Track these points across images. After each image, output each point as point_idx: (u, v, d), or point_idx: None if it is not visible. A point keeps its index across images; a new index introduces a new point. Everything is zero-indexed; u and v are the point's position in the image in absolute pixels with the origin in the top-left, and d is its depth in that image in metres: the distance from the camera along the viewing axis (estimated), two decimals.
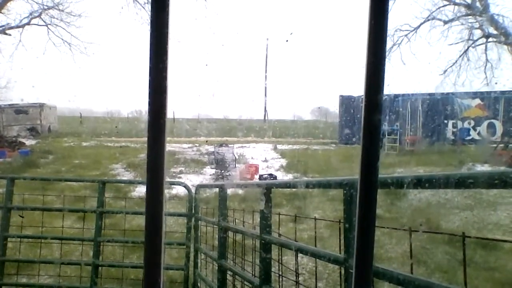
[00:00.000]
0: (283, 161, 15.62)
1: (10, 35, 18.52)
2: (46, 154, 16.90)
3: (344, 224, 1.99)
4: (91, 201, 5.93)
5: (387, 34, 0.59)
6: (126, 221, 5.69)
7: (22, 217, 5.10)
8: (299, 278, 2.86)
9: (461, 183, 1.26)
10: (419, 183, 1.43)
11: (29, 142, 21.14)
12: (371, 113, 0.59)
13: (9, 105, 24.51)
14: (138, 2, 17.90)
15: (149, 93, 0.57)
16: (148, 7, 18.08)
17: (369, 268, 0.63)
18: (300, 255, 2.66)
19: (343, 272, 2.04)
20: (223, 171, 13.15)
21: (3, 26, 18.34)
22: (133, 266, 4.98)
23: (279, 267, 2.95)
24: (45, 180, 8.61)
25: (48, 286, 4.95)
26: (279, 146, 20.08)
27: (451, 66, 17.26)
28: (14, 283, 4.97)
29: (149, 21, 0.60)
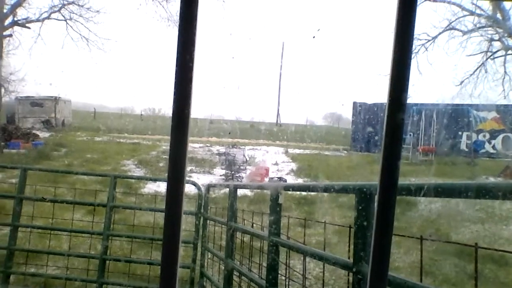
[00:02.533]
0: (294, 165, 15.58)
1: (29, 28, 18.77)
2: (59, 147, 17.07)
3: (355, 230, 1.98)
4: (101, 195, 5.98)
5: (414, 33, 0.59)
6: (135, 217, 5.73)
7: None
8: (306, 283, 2.85)
9: (483, 192, 1.25)
10: (441, 191, 1.41)
11: (43, 134, 21.37)
12: (394, 112, 0.58)
13: (25, 97, 24.79)
14: None
15: (175, 84, 0.57)
16: (166, 4, 18.19)
17: (385, 275, 0.62)
18: (306, 260, 2.65)
19: (351, 278, 2.03)
20: (233, 172, 13.16)
21: (23, 19, 18.60)
22: (149, 263, 5.00)
23: (286, 270, 2.94)
24: (57, 172, 8.71)
25: (56, 277, 4.99)
26: (290, 150, 20.04)
27: (468, 78, 17.06)
28: (23, 273, 5.03)
29: (178, 14, 0.61)
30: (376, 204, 0.60)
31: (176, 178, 0.58)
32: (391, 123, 0.58)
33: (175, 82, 0.57)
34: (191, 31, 0.58)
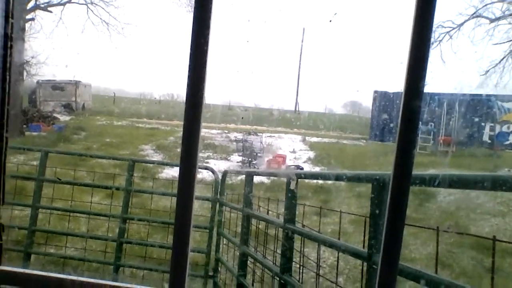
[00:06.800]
0: (311, 154, 15.52)
1: (51, 12, 18.96)
2: (79, 131, 17.33)
3: (370, 220, 1.97)
4: (120, 179, 6.06)
5: (433, 21, 0.57)
6: (152, 202, 5.80)
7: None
8: (320, 271, 2.85)
9: (499, 184, 1.21)
10: (456, 181, 1.38)
11: (63, 118, 21.69)
12: (411, 99, 0.56)
13: (46, 80, 25.10)
14: None
15: (189, 67, 0.56)
16: None
17: (396, 264, 0.61)
18: (322, 249, 2.64)
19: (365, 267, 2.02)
20: (250, 159, 13.18)
21: (45, 3, 18.79)
22: (160, 246, 5.07)
23: (300, 258, 2.94)
24: (77, 155, 8.85)
25: (74, 258, 5.10)
26: (308, 138, 19.95)
27: (493, 67, 16.60)
28: (42, 253, 5.15)
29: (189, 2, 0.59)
30: (389, 192, 0.59)
31: (188, 160, 0.57)
32: (407, 110, 0.56)
33: (189, 66, 0.56)
34: (206, 14, 0.57)
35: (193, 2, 0.60)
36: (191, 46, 0.57)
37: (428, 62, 0.57)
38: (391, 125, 20.54)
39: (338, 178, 2.76)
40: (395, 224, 0.60)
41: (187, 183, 0.59)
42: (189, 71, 0.56)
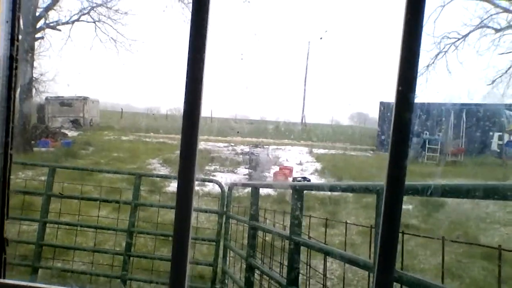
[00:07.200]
0: (318, 165, 15.47)
1: (60, 30, 19.24)
2: (87, 146, 17.44)
3: (376, 230, 1.97)
4: (127, 193, 6.09)
5: (422, 33, 0.58)
6: (159, 215, 5.81)
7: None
8: (327, 283, 2.83)
9: (491, 193, 1.22)
10: (448, 190, 1.39)
11: (71, 133, 21.84)
12: (402, 110, 0.58)
13: (55, 97, 25.33)
14: (182, 1, 18.16)
15: (186, 83, 0.58)
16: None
17: (391, 270, 0.62)
18: (329, 260, 2.63)
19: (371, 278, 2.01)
20: (257, 172, 13.18)
21: (54, 22, 19.08)
22: (159, 258, 5.08)
23: (307, 270, 2.93)
24: (85, 170, 8.90)
25: (82, 273, 5.11)
26: (315, 150, 19.90)
27: (500, 76, 16.54)
28: (50, 267, 5.16)
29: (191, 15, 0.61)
30: (383, 201, 0.60)
31: (186, 175, 0.59)
32: (399, 121, 0.58)
33: (186, 82, 0.58)
34: (202, 32, 0.59)
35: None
36: (187, 63, 0.59)
37: (418, 74, 0.58)
38: None
39: (343, 189, 2.77)
40: (390, 233, 0.61)
41: (185, 196, 0.60)
42: (185, 87, 0.59)
